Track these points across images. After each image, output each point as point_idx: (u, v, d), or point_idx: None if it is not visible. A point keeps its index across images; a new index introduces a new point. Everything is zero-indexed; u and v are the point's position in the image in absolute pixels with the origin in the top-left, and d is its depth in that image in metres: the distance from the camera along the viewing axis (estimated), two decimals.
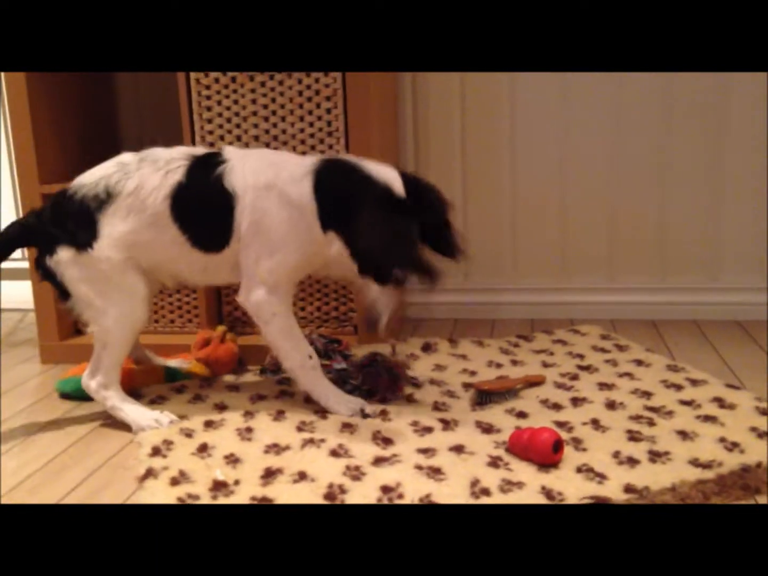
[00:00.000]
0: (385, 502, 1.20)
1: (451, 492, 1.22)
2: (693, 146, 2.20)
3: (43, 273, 1.56)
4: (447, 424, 1.48)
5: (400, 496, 1.21)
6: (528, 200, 2.31)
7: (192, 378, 1.80)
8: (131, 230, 1.53)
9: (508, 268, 2.36)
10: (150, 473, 1.33)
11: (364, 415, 1.54)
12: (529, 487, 1.22)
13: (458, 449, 1.37)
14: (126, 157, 1.56)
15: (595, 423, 1.45)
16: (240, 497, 1.24)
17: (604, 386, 1.64)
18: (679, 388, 1.62)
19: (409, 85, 2.30)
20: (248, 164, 1.53)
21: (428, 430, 1.46)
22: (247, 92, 1.92)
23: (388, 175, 1.50)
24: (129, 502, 1.29)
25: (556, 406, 1.55)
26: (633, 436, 1.39)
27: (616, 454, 1.31)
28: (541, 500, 1.18)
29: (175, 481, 1.30)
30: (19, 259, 2.52)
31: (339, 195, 1.49)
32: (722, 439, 1.35)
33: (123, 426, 1.57)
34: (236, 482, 1.29)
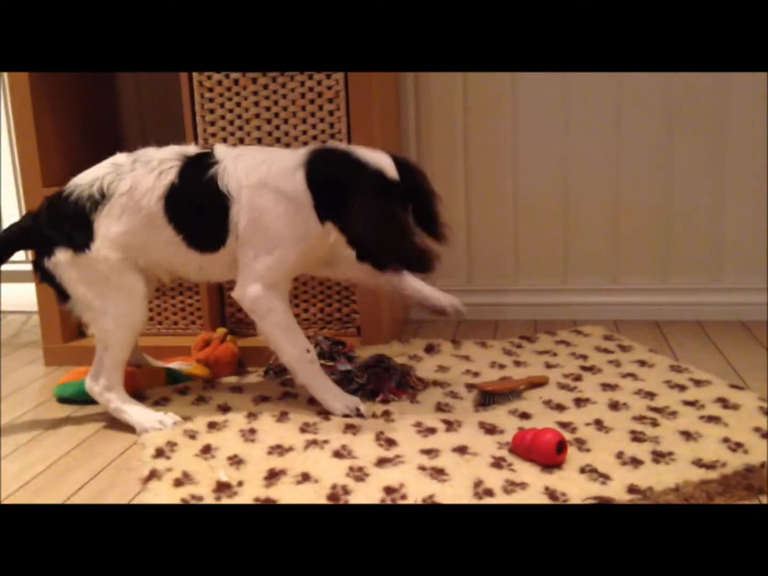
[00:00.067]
0: (389, 502, 1.20)
1: (455, 493, 1.22)
2: (695, 146, 2.20)
3: (41, 274, 1.57)
4: (450, 425, 1.48)
5: (404, 497, 1.21)
6: (530, 201, 2.31)
7: (193, 380, 1.80)
8: (126, 231, 1.53)
9: (511, 269, 2.36)
10: (153, 474, 1.33)
11: (358, 414, 1.54)
12: (532, 487, 1.22)
13: (461, 450, 1.37)
14: (120, 157, 1.57)
15: (599, 423, 1.45)
16: (243, 498, 1.24)
17: (607, 387, 1.64)
18: (682, 388, 1.61)
19: (412, 85, 2.30)
20: (240, 164, 1.53)
21: (431, 430, 1.46)
22: (249, 94, 1.92)
23: (379, 159, 1.50)
24: (133, 503, 1.29)
25: (560, 407, 1.55)
26: (636, 437, 1.38)
27: (620, 455, 1.31)
28: (545, 501, 1.18)
29: (178, 483, 1.30)
30: (23, 261, 2.52)
31: (332, 183, 1.49)
32: (726, 440, 1.35)
33: (126, 428, 1.57)
34: (240, 483, 1.29)
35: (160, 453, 1.42)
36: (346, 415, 1.54)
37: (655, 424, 1.44)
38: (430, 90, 2.30)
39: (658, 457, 1.30)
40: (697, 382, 1.64)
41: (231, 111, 1.94)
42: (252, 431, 1.49)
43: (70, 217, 1.53)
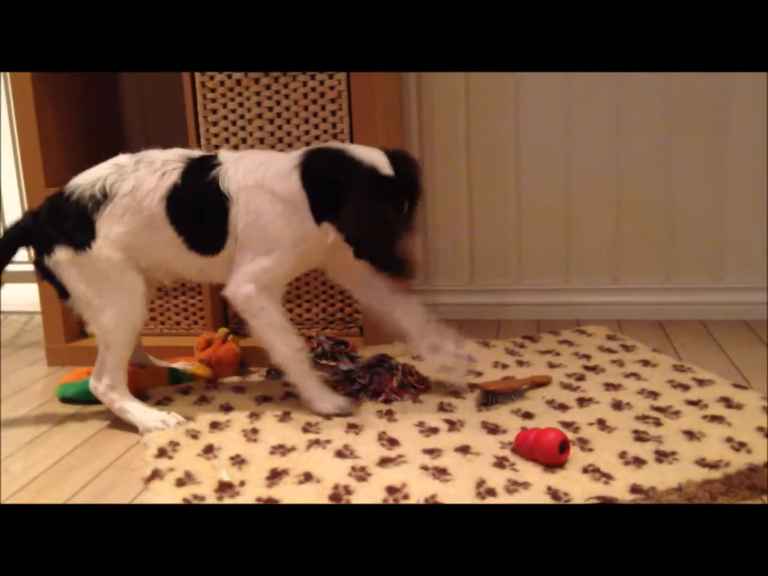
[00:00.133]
0: (391, 502, 1.20)
1: (457, 492, 1.22)
2: (695, 146, 2.19)
3: (42, 273, 1.58)
4: (453, 425, 1.48)
5: (406, 497, 1.21)
6: (533, 201, 2.31)
7: (196, 379, 1.80)
8: (128, 231, 1.54)
9: (514, 268, 2.36)
10: (156, 474, 1.33)
11: (345, 414, 1.55)
12: (535, 487, 1.22)
13: (464, 450, 1.37)
14: (122, 158, 1.57)
15: (602, 423, 1.45)
16: (246, 498, 1.24)
17: (610, 386, 1.64)
18: (685, 388, 1.61)
19: (414, 85, 2.30)
20: (240, 167, 1.54)
21: (434, 430, 1.46)
22: (252, 94, 1.92)
23: (373, 156, 1.50)
24: (135, 502, 1.29)
25: (562, 407, 1.55)
26: (639, 437, 1.38)
27: (623, 455, 1.31)
28: (547, 501, 1.18)
29: (180, 482, 1.30)
30: (25, 261, 2.53)
31: (326, 183, 1.50)
32: (729, 439, 1.35)
33: (128, 427, 1.57)
34: (242, 483, 1.29)
35: (162, 453, 1.42)
36: (335, 414, 1.54)
37: (658, 423, 1.44)
38: (433, 90, 2.30)
39: (661, 456, 1.30)
40: (700, 382, 1.64)
41: (233, 111, 1.93)
42: (254, 431, 1.49)
43: (71, 216, 1.53)
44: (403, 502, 1.20)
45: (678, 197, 2.23)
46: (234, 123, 1.94)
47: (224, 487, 1.27)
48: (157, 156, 1.56)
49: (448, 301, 2.39)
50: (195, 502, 1.24)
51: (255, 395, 1.68)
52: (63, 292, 1.58)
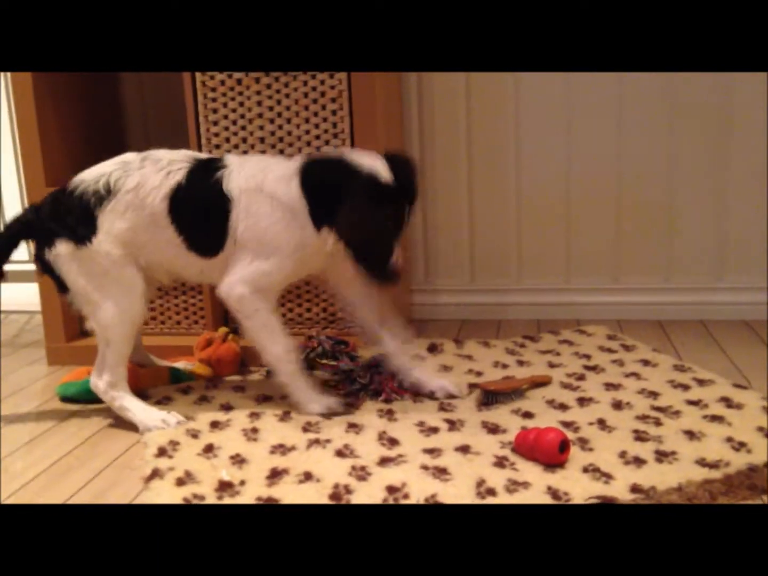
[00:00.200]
0: (391, 502, 1.20)
1: (457, 492, 1.22)
2: (697, 146, 2.19)
3: (42, 266, 1.58)
4: (453, 425, 1.48)
5: (406, 497, 1.21)
6: (533, 200, 2.31)
7: (196, 379, 1.80)
8: (129, 227, 1.54)
9: (514, 268, 2.36)
10: (156, 474, 1.33)
11: (335, 414, 1.55)
12: (535, 487, 1.22)
13: (464, 449, 1.37)
14: (129, 156, 1.58)
15: (602, 423, 1.45)
16: (246, 497, 1.24)
17: (610, 386, 1.64)
18: (685, 388, 1.61)
19: (415, 85, 2.30)
20: (244, 170, 1.55)
21: (434, 430, 1.46)
22: (252, 94, 1.92)
23: (372, 163, 1.50)
24: (135, 502, 1.29)
25: (563, 407, 1.55)
26: (639, 436, 1.38)
27: (623, 454, 1.31)
28: (547, 500, 1.18)
29: (180, 482, 1.30)
30: (26, 261, 2.53)
31: (326, 190, 1.51)
32: (729, 439, 1.35)
33: (128, 427, 1.57)
34: (242, 482, 1.29)
35: (162, 452, 1.42)
36: (324, 415, 1.55)
37: (658, 423, 1.44)
38: (433, 90, 2.30)
39: (661, 456, 1.30)
40: (701, 382, 1.64)
41: (234, 111, 1.93)
42: (254, 430, 1.49)
43: (73, 210, 1.54)
44: (403, 501, 1.20)
45: (678, 197, 2.23)
46: (234, 122, 1.94)
47: (224, 486, 1.27)
48: (163, 155, 1.57)
49: (448, 301, 2.39)
50: (195, 501, 1.24)
51: (255, 395, 1.68)
52: (62, 287, 1.58)
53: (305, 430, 1.49)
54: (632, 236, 2.27)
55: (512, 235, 2.34)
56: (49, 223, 1.55)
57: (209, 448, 1.42)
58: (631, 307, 2.28)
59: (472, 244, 2.37)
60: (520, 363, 1.83)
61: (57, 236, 1.54)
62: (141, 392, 1.68)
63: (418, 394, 1.64)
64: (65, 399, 1.76)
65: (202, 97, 1.94)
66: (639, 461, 1.28)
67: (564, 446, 1.29)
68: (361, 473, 1.29)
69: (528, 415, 1.51)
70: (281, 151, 1.92)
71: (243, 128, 1.94)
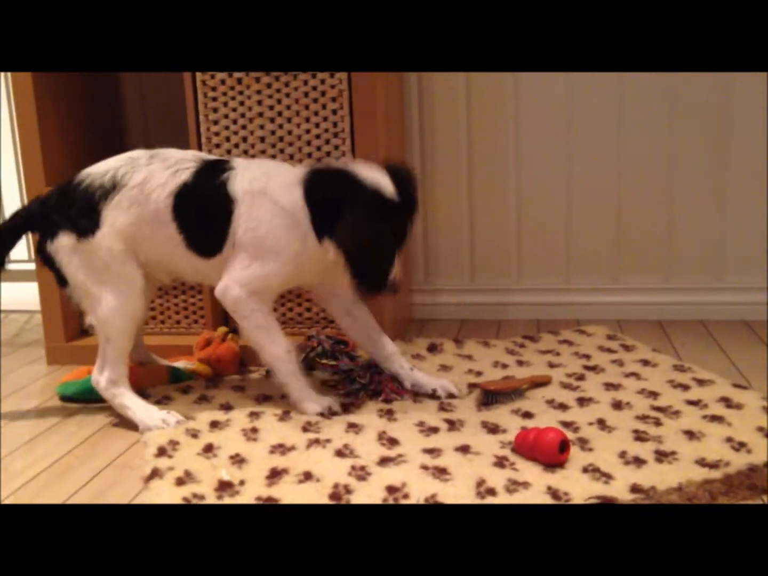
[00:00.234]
0: (391, 502, 1.20)
1: (457, 492, 1.22)
2: (696, 146, 2.19)
3: (43, 258, 1.58)
4: (452, 425, 1.48)
5: (406, 496, 1.21)
6: (533, 200, 2.31)
7: (196, 378, 1.80)
8: (132, 223, 1.54)
9: (514, 268, 2.36)
10: (155, 473, 1.33)
11: (332, 413, 1.55)
12: (535, 487, 1.22)
13: (464, 449, 1.36)
14: (137, 152, 1.59)
15: (602, 423, 1.45)
16: (245, 497, 1.24)
17: (610, 386, 1.64)
18: (685, 388, 1.61)
19: (415, 85, 2.30)
20: (249, 173, 1.55)
21: (434, 430, 1.46)
22: (253, 93, 1.92)
23: (377, 178, 1.51)
24: (134, 502, 1.29)
25: (562, 406, 1.55)
26: (639, 436, 1.38)
27: (623, 454, 1.31)
28: (547, 500, 1.18)
29: (180, 481, 1.30)
30: (25, 260, 2.53)
31: (329, 201, 1.51)
32: (729, 439, 1.35)
33: (128, 426, 1.57)
34: (242, 482, 1.29)
35: (162, 452, 1.42)
36: (320, 414, 1.55)
37: (658, 423, 1.44)
38: (434, 90, 2.30)
39: (661, 456, 1.30)
40: (700, 382, 1.64)
41: (234, 110, 1.93)
42: (254, 430, 1.49)
43: (78, 203, 1.54)
44: (403, 501, 1.20)
45: (678, 197, 2.23)
46: (235, 121, 1.94)
47: (224, 486, 1.27)
48: (172, 154, 1.58)
49: (448, 300, 2.39)
50: (195, 501, 1.24)
51: (255, 394, 1.68)
52: (62, 280, 1.58)
53: (305, 429, 1.49)
54: (632, 236, 2.28)
55: (512, 235, 2.34)
56: (53, 214, 1.55)
57: (209, 448, 1.42)
58: (631, 307, 2.28)
59: (472, 244, 2.37)
60: (520, 363, 1.83)
61: (60, 228, 1.54)
62: (140, 391, 1.68)
63: (418, 394, 1.64)
64: (65, 398, 1.75)
65: (202, 97, 1.94)
66: (639, 461, 1.28)
67: (564, 446, 1.29)
68: (361, 473, 1.29)
69: (528, 415, 1.51)
70: (281, 151, 1.93)
71: (243, 128, 1.94)
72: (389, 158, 1.58)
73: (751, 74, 2.12)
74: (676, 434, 1.38)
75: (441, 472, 1.28)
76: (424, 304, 2.41)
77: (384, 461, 1.33)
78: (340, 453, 1.37)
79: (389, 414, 1.55)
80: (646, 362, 1.78)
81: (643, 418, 1.47)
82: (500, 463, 1.31)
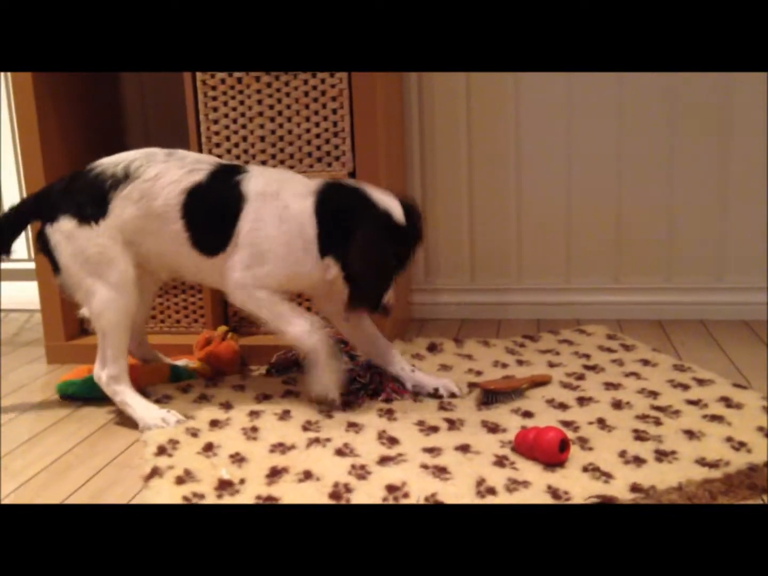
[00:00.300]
0: (391, 501, 1.20)
1: (457, 491, 1.22)
2: (697, 146, 2.20)
3: (41, 244, 1.58)
4: (452, 424, 1.48)
5: (406, 496, 1.21)
6: (533, 200, 2.31)
7: (197, 377, 1.80)
8: (139, 216, 1.55)
9: (514, 268, 2.36)
10: (155, 472, 1.33)
11: (331, 400, 1.56)
12: (535, 486, 1.22)
13: (464, 448, 1.37)
14: (154, 149, 1.59)
15: (602, 422, 1.45)
16: (245, 496, 1.24)
17: (610, 386, 1.64)
18: (685, 387, 1.61)
19: (415, 85, 2.30)
20: (263, 177, 1.57)
21: (434, 429, 1.46)
22: (253, 93, 1.92)
23: (388, 202, 1.53)
24: (134, 501, 1.29)
25: (562, 406, 1.55)
26: (639, 436, 1.38)
27: (623, 454, 1.31)
28: (547, 499, 1.18)
29: (180, 480, 1.30)
30: (25, 259, 2.53)
31: (338, 217, 1.52)
32: (729, 439, 1.35)
33: (128, 425, 1.57)
34: (242, 481, 1.29)
35: (162, 451, 1.42)
36: (335, 390, 1.56)
37: (658, 423, 1.44)
38: (434, 89, 2.30)
39: (661, 456, 1.30)
40: (700, 381, 1.64)
41: (234, 110, 1.94)
42: (254, 429, 1.49)
43: (87, 190, 1.55)
44: (403, 500, 1.20)
45: (678, 197, 2.23)
46: (235, 121, 1.94)
47: (224, 485, 1.27)
48: (189, 155, 1.59)
49: (448, 300, 2.39)
50: (195, 500, 1.24)
51: (255, 393, 1.68)
52: (57, 267, 1.58)
53: (305, 428, 1.49)
54: (632, 236, 2.28)
55: (512, 234, 2.34)
56: (59, 198, 1.55)
57: (209, 447, 1.42)
58: (631, 306, 2.28)
59: (472, 244, 2.37)
60: (520, 362, 1.83)
61: (62, 212, 1.54)
62: (140, 390, 1.68)
63: (418, 394, 1.64)
64: (65, 397, 1.76)
65: (202, 97, 1.94)
66: (639, 461, 1.28)
67: (564, 445, 1.29)
68: (361, 472, 1.29)
69: (528, 414, 1.51)
70: (281, 150, 1.93)
71: (243, 127, 1.94)
72: (396, 190, 1.61)
73: (751, 74, 2.12)
74: (676, 434, 1.38)
75: (441, 472, 1.28)
76: (424, 303, 2.41)
77: (384, 460, 1.33)
78: (340, 452, 1.37)
79: (389, 413, 1.55)
80: (646, 362, 1.78)
81: (643, 417, 1.47)
82: (500, 462, 1.31)
